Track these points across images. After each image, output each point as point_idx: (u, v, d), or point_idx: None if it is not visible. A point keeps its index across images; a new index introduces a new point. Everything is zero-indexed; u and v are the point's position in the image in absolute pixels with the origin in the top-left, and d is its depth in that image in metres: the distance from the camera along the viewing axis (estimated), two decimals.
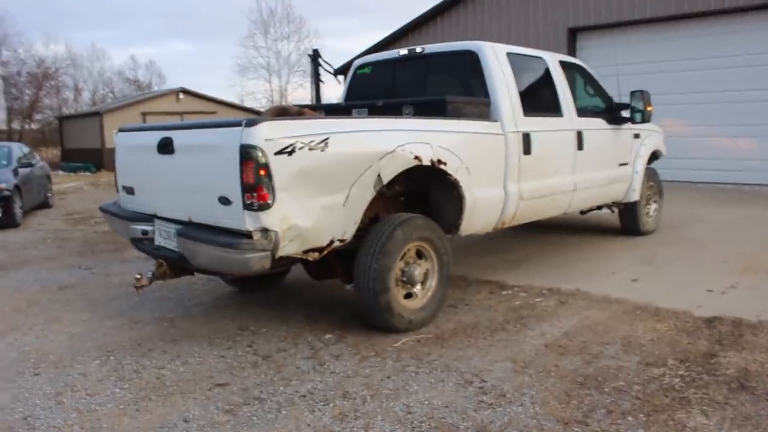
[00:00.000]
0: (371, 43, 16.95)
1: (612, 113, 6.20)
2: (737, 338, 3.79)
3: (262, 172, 3.30)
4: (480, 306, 4.60)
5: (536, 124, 5.03)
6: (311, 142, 3.48)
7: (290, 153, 3.39)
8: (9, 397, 3.28)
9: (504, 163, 4.71)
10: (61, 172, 22.49)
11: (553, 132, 5.24)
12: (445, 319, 4.31)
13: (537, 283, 5.12)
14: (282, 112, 4.29)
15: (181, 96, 26.32)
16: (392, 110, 4.70)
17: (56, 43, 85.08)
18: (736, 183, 10.90)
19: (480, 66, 4.83)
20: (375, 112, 4.85)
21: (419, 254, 4.19)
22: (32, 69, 29.88)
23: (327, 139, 3.54)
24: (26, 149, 12.69)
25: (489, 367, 3.45)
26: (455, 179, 4.24)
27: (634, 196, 6.55)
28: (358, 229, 3.88)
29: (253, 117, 3.98)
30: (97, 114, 25.72)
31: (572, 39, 12.63)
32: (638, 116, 6.13)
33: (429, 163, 4.04)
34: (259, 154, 3.28)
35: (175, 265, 4.11)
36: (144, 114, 25.07)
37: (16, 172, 10.44)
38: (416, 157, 3.94)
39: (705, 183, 11.23)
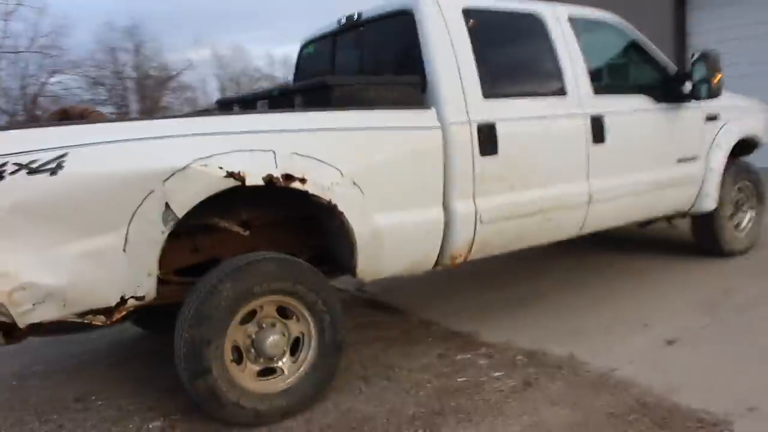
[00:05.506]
0: None
1: (667, 87, 4.34)
2: None
3: None
4: (404, 383, 3.12)
5: (508, 110, 3.43)
6: (33, 162, 2.27)
7: None
8: None
9: (442, 171, 3.18)
10: None
11: (543, 119, 3.59)
12: (332, 405, 2.91)
13: (520, 342, 3.51)
14: (63, 115, 3.13)
15: None
16: (286, 102, 3.37)
17: (204, 47, 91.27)
18: None
19: (416, 31, 3.34)
20: (273, 105, 3.55)
21: (284, 313, 2.84)
22: (156, 73, 31.46)
23: (63, 156, 2.31)
24: None
25: None
26: (329, 201, 2.80)
27: (709, 204, 4.59)
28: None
29: None
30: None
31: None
32: (703, 90, 4.23)
33: (264, 182, 2.63)
34: None
35: None
36: None
37: None
38: (232, 174, 2.56)
39: None
